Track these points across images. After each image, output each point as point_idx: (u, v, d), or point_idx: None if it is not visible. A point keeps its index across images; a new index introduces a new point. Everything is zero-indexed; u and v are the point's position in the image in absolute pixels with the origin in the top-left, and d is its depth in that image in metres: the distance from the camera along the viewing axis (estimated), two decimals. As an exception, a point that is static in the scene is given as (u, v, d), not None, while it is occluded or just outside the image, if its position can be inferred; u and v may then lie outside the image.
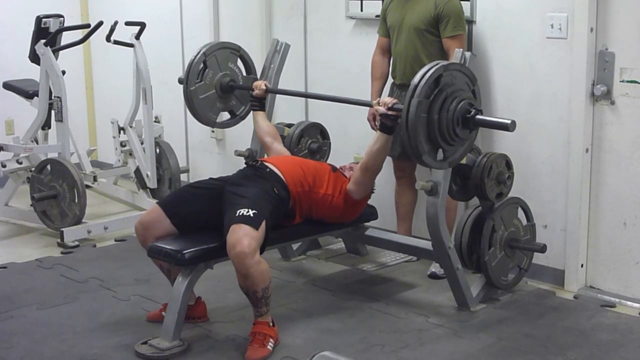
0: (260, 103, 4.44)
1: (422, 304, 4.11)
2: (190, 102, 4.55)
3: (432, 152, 3.53)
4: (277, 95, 4.71)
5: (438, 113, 3.46)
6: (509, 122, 3.48)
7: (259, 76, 4.72)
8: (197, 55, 4.54)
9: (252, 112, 4.52)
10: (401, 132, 3.51)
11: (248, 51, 4.79)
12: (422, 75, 3.46)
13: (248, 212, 3.50)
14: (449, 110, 3.47)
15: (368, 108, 4.61)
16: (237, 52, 4.70)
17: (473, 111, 3.51)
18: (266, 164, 3.95)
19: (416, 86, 3.43)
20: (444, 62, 3.58)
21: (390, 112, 3.74)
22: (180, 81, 4.64)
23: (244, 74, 4.75)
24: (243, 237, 3.41)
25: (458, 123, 3.50)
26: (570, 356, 3.51)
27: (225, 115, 4.90)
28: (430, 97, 3.45)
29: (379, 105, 3.79)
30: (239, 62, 4.73)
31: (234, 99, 4.70)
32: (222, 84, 4.60)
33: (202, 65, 4.55)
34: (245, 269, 3.41)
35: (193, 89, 4.52)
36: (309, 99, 5.39)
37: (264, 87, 4.40)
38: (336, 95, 5.17)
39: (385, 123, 3.79)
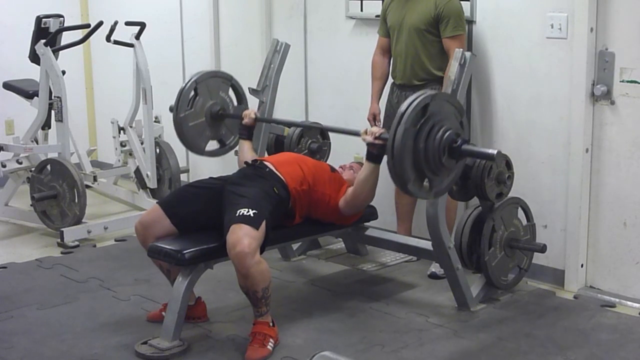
0: (248, 132, 4.37)
1: (422, 304, 4.11)
2: (180, 129, 4.48)
3: (417, 181, 3.46)
4: (277, 94, 4.70)
5: (424, 141, 3.39)
6: (494, 152, 3.45)
7: (258, 78, 4.71)
8: (188, 82, 4.49)
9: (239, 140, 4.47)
10: (387, 160, 3.44)
11: (248, 51, 4.79)
12: (409, 103, 3.39)
13: (248, 212, 3.50)
14: (435, 139, 3.40)
15: (369, 107, 4.62)
16: (228, 81, 4.64)
17: (459, 141, 3.45)
18: (266, 163, 3.95)
19: (403, 114, 3.35)
20: (432, 91, 3.53)
21: (377, 141, 3.69)
22: (171, 109, 4.58)
23: (235, 103, 4.69)
24: (243, 237, 3.41)
25: (444, 152, 3.43)
26: (570, 356, 3.52)
27: (214, 144, 4.78)
28: (417, 126, 3.38)
29: (366, 134, 3.73)
30: (230, 92, 4.67)
31: (224, 128, 4.63)
32: (212, 112, 4.54)
33: (192, 92, 4.49)
34: (246, 269, 3.41)
35: (183, 116, 4.45)
36: (309, 99, 5.39)
37: (253, 116, 4.34)
38: (335, 94, 5.21)
39: (372, 152, 3.74)
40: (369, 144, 3.74)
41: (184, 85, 4.51)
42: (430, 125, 3.41)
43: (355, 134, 3.90)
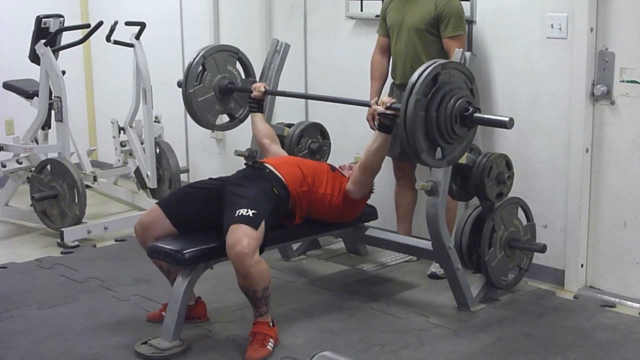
0: (258, 105, 4.43)
1: (422, 304, 4.11)
2: (189, 104, 4.54)
3: (430, 150, 3.53)
4: (277, 95, 4.71)
5: (436, 111, 3.46)
6: (507, 119, 3.50)
7: (258, 78, 4.72)
8: (195, 57, 4.53)
9: (250, 113, 4.52)
10: (399, 131, 3.52)
11: (248, 51, 4.79)
12: (420, 73, 3.46)
13: (247, 212, 3.50)
14: (447, 108, 3.47)
15: (368, 108, 4.61)
16: (235, 54, 4.69)
17: (471, 109, 3.51)
18: (265, 164, 3.95)
19: (414, 84, 3.43)
20: (442, 60, 3.59)
21: (388, 112, 3.75)
22: (179, 84, 4.63)
23: (243, 76, 4.74)
24: (242, 237, 3.41)
25: (456, 121, 3.50)
26: (570, 356, 3.52)
27: (224, 118, 4.89)
28: (428, 95, 3.45)
29: (377, 104, 3.80)
30: (238, 65, 4.72)
31: (233, 101, 4.69)
32: (221, 87, 4.59)
33: (200, 67, 4.54)
34: (245, 269, 3.40)
35: (192, 91, 4.51)
36: (309, 99, 5.39)
37: (262, 89, 4.40)
38: (336, 95, 5.20)
39: (384, 122, 3.79)
40: (380, 114, 3.79)
41: (191, 60, 4.54)
42: (442, 95, 3.47)
43: (366, 104, 3.96)
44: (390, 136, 3.86)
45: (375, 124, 3.98)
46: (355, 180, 3.97)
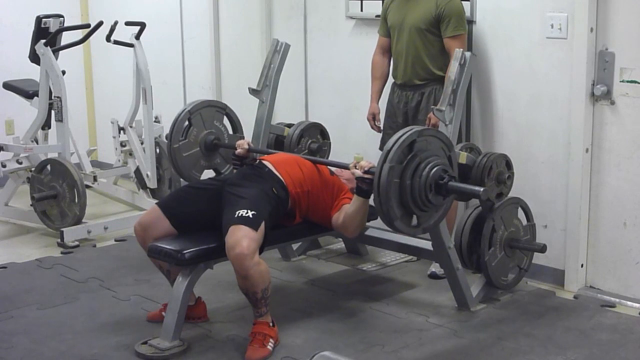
0: (241, 162, 4.21)
1: (422, 304, 4.11)
2: (174, 159, 4.45)
3: (404, 217, 3.45)
4: (277, 94, 4.70)
5: (410, 179, 3.38)
6: (480, 190, 3.46)
7: (258, 78, 4.70)
8: (181, 113, 4.46)
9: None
10: (373, 197, 3.42)
11: (248, 51, 4.78)
12: (396, 140, 3.37)
13: (247, 213, 3.49)
14: (422, 176, 3.39)
15: (368, 106, 4.62)
16: (222, 110, 4.62)
17: (446, 177, 3.43)
18: (265, 163, 3.94)
19: (389, 151, 3.34)
20: (419, 128, 3.51)
21: (366, 176, 3.62)
22: (167, 137, 4.56)
23: (230, 131, 4.66)
24: (242, 239, 3.40)
25: (431, 189, 3.41)
26: (570, 356, 3.52)
27: (209, 173, 4.72)
28: (403, 163, 3.37)
29: (355, 168, 3.68)
30: (225, 120, 4.65)
31: (219, 157, 4.60)
32: (207, 142, 4.51)
33: (186, 122, 4.46)
34: (245, 270, 3.40)
35: (177, 146, 4.42)
36: (309, 99, 5.39)
37: (246, 147, 4.20)
38: (335, 94, 5.21)
39: (361, 187, 3.66)
40: (358, 179, 3.67)
41: (177, 115, 4.46)
42: (417, 162, 3.40)
43: (344, 167, 3.87)
44: (368, 200, 3.70)
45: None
46: (337, 225, 3.87)
